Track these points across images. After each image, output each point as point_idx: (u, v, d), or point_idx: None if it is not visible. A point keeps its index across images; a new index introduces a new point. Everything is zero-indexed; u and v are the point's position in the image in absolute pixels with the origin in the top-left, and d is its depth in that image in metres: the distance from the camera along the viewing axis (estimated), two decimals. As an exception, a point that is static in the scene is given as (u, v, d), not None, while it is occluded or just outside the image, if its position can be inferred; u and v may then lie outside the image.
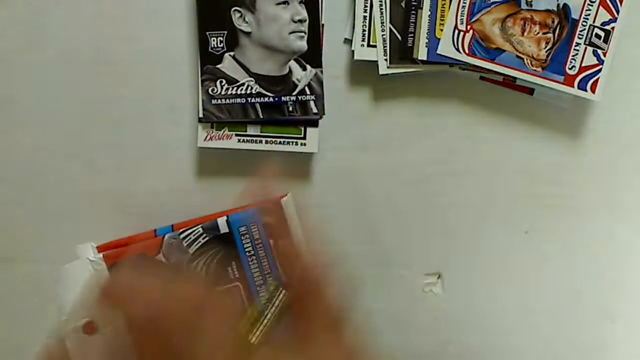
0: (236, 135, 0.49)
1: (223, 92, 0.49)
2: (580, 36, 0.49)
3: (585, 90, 0.49)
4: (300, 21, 0.48)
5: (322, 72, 0.49)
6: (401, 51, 0.49)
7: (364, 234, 0.52)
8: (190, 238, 0.47)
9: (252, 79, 0.49)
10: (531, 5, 0.49)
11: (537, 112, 0.51)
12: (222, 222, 0.47)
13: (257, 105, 0.49)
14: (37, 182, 0.50)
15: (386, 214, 0.52)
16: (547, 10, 0.49)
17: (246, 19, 0.48)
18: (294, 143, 0.49)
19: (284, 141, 0.49)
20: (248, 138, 0.49)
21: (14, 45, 0.50)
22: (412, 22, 0.49)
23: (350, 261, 0.52)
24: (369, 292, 0.52)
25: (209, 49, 0.49)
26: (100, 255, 0.47)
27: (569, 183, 0.52)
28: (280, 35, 0.48)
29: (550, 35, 0.49)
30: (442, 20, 0.49)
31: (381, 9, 0.49)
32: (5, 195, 0.50)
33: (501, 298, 0.52)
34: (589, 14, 0.49)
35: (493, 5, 0.49)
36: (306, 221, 0.43)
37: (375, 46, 0.49)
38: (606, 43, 0.49)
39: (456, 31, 0.49)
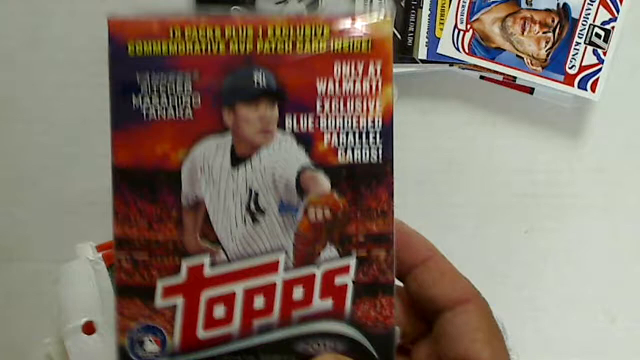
0: (236, 135, 0.49)
1: (223, 92, 0.49)
2: (580, 35, 0.49)
3: (586, 90, 0.49)
4: (300, 21, 0.48)
5: (321, 71, 0.49)
6: (401, 50, 0.49)
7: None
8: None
9: (251, 78, 0.49)
10: (531, 5, 0.49)
11: (537, 111, 0.51)
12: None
13: (257, 105, 0.49)
14: (37, 182, 0.50)
15: (386, 213, 0.51)
16: (547, 10, 0.49)
17: (246, 19, 0.48)
18: (294, 143, 0.49)
19: (283, 141, 0.49)
20: (248, 138, 0.49)
21: (14, 45, 0.50)
22: (412, 22, 0.49)
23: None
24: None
25: (209, 49, 0.49)
26: (100, 255, 0.47)
27: (569, 183, 0.52)
28: (279, 34, 0.48)
29: (550, 34, 0.49)
30: (442, 19, 0.49)
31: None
32: (5, 195, 0.51)
33: (501, 298, 0.52)
34: (589, 14, 0.49)
35: (493, 5, 0.49)
36: None
37: (375, 46, 0.49)
38: (606, 42, 0.49)
39: (456, 30, 0.49)
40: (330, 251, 0.30)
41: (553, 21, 0.49)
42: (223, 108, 0.30)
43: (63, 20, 0.50)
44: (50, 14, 0.50)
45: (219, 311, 0.30)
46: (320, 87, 0.30)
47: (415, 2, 0.49)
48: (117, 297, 0.30)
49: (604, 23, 0.49)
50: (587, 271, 0.52)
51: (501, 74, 0.49)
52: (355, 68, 0.30)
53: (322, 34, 0.30)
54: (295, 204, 0.30)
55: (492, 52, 0.49)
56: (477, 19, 0.49)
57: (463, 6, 0.49)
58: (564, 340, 0.52)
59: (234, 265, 0.30)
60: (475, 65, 0.49)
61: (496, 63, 0.49)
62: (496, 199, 0.52)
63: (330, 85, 0.30)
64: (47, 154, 0.50)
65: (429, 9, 0.49)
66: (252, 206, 0.30)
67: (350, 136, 0.30)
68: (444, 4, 0.49)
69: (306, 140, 0.30)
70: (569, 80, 0.49)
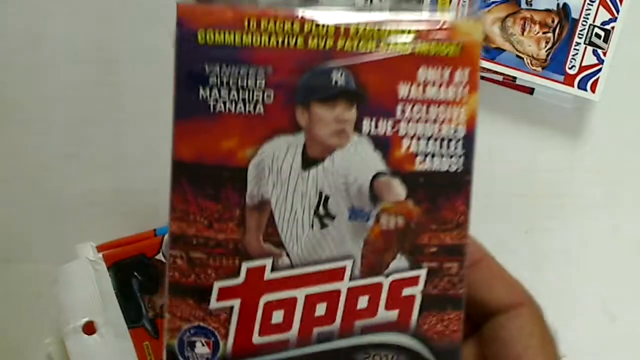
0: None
1: (223, 92, 0.48)
2: (580, 36, 0.49)
3: (585, 90, 0.49)
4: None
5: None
6: (401, 51, 0.49)
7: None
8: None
9: (252, 78, 0.48)
10: (531, 5, 0.49)
11: (537, 111, 0.51)
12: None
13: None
14: (37, 182, 0.50)
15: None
16: (547, 10, 0.49)
17: (246, 19, 0.48)
18: (294, 143, 0.49)
19: (283, 141, 0.49)
20: (248, 138, 0.49)
21: (14, 45, 0.50)
22: (412, 22, 0.49)
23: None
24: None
25: (209, 49, 0.48)
26: (100, 255, 0.47)
27: (569, 183, 0.52)
28: (280, 35, 0.48)
29: (550, 34, 0.49)
30: (442, 19, 0.49)
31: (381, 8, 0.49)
32: (5, 195, 0.50)
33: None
34: (589, 14, 0.49)
35: (493, 5, 0.49)
36: None
37: (375, 46, 0.49)
38: (606, 43, 0.49)
39: (456, 31, 0.49)
40: (399, 261, 0.28)
41: (553, 21, 0.49)
42: (297, 106, 0.28)
43: (63, 20, 0.50)
44: (50, 14, 0.50)
45: (278, 317, 0.28)
46: (402, 90, 0.28)
47: (416, 2, 0.49)
48: (169, 296, 0.28)
49: (603, 23, 0.49)
50: (587, 271, 0.52)
51: (501, 74, 0.49)
52: (441, 73, 0.28)
53: (408, 34, 0.28)
54: (367, 211, 0.29)
55: (492, 52, 0.49)
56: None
57: (463, 6, 0.49)
58: (563, 340, 0.52)
59: (297, 270, 0.28)
60: (475, 66, 0.49)
61: (496, 63, 0.49)
62: (496, 199, 0.52)
63: (413, 89, 0.28)
64: (47, 154, 0.50)
65: (429, 9, 0.49)
66: (321, 210, 0.29)
67: (431, 143, 0.28)
68: (444, 3, 0.49)
69: (383, 144, 0.28)
70: (568, 80, 0.49)
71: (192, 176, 0.28)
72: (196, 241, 0.28)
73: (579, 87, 0.49)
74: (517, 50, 0.49)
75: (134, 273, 0.47)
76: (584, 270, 0.52)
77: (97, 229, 0.50)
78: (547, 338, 0.30)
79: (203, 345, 0.28)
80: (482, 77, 0.51)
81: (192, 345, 0.28)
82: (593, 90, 0.49)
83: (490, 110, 0.51)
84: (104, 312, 0.46)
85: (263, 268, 0.28)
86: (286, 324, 0.28)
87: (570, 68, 0.49)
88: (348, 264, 0.28)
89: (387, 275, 0.28)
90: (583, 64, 0.49)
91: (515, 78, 0.50)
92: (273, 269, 0.28)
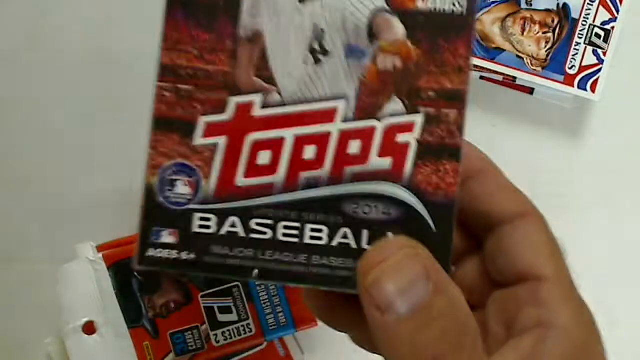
0: (236, 135, 0.49)
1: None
2: (580, 36, 0.49)
3: (585, 90, 0.49)
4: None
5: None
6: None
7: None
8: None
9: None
10: (531, 5, 0.49)
11: (537, 111, 0.51)
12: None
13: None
14: (37, 182, 0.50)
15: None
16: (547, 10, 0.49)
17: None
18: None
19: (283, 141, 0.49)
20: (248, 138, 0.49)
21: (14, 45, 0.50)
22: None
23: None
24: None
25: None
26: (100, 255, 0.47)
27: (569, 183, 0.52)
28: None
29: (550, 34, 0.49)
30: (442, 20, 0.49)
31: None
32: (5, 195, 0.50)
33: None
34: (588, 14, 0.49)
35: (493, 5, 0.49)
36: None
37: (375, 46, 0.49)
38: (606, 43, 0.49)
39: (456, 31, 0.49)
40: (395, 105, 0.27)
41: (553, 21, 0.49)
42: None
43: (63, 20, 0.50)
44: (50, 14, 0.50)
45: (264, 157, 0.27)
46: None
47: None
48: (153, 129, 0.27)
49: (603, 23, 0.49)
50: (587, 271, 0.52)
51: (501, 74, 0.49)
52: None
53: None
54: (363, 49, 0.27)
55: (492, 53, 0.49)
56: (477, 19, 0.49)
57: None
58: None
59: (288, 108, 0.27)
60: (475, 66, 0.49)
61: (496, 63, 0.49)
62: (496, 199, 0.52)
63: None
64: (47, 154, 0.50)
65: (429, 9, 0.49)
66: (316, 45, 0.27)
67: None
68: (444, 4, 0.49)
69: None
70: (568, 80, 0.49)
71: (185, 4, 0.27)
72: (185, 73, 0.27)
73: (579, 87, 0.49)
74: (517, 50, 0.49)
75: (134, 273, 0.47)
76: (584, 270, 0.52)
77: (97, 229, 0.50)
78: (555, 247, 0.28)
79: (185, 184, 0.27)
80: (482, 77, 0.51)
81: (173, 183, 0.27)
82: (593, 90, 0.49)
83: (490, 111, 0.51)
84: (104, 312, 0.46)
85: (252, 104, 0.27)
86: (272, 166, 0.27)
87: (570, 68, 0.49)
88: (341, 104, 0.27)
89: (382, 119, 0.27)
90: (583, 64, 0.49)
91: (515, 78, 0.50)
92: (262, 106, 0.27)
